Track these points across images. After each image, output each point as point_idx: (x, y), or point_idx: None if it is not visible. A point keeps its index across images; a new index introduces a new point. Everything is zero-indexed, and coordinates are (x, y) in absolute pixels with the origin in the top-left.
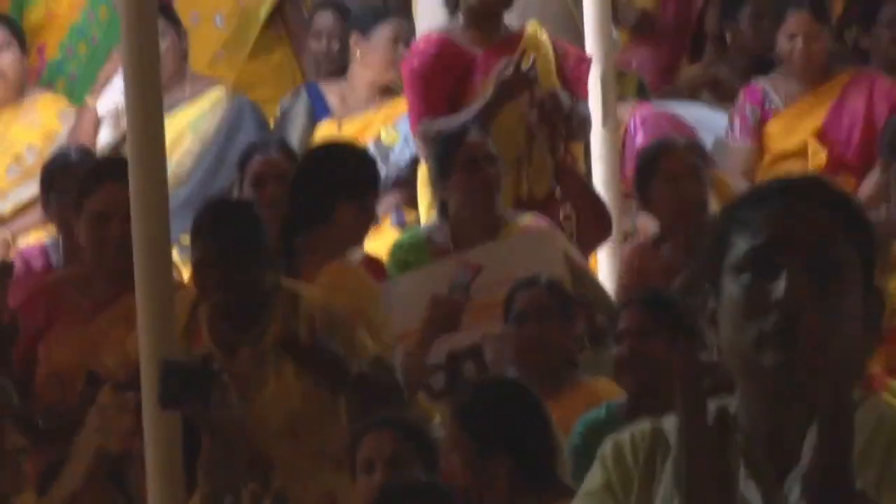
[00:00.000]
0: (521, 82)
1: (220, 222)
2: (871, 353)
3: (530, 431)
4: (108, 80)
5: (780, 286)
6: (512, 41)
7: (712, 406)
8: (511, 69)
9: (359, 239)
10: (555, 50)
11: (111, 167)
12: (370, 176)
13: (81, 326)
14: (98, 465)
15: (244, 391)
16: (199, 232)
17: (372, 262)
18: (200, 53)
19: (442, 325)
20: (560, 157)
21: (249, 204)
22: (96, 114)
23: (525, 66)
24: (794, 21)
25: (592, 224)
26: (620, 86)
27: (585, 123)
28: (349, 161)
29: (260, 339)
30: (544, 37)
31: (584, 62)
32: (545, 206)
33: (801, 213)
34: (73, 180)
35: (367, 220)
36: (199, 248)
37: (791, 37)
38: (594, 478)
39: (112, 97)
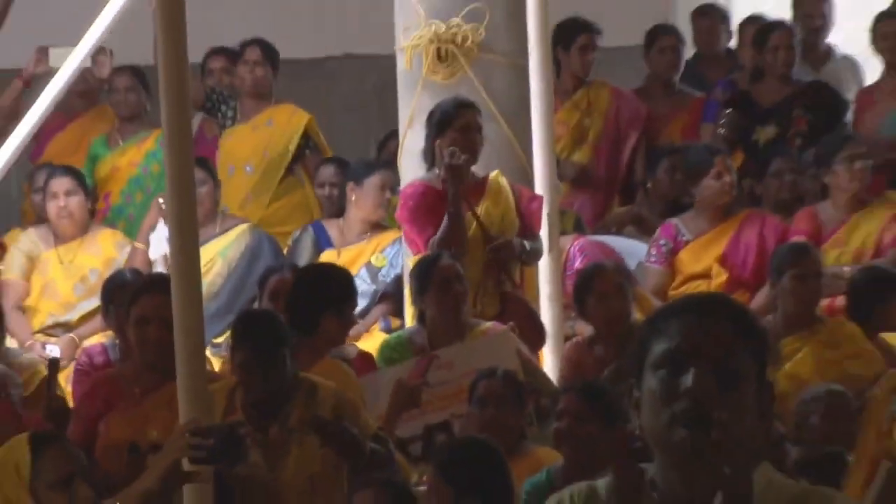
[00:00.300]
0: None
1: (255, 330)
2: (766, 435)
3: (497, 480)
4: (151, 225)
5: (688, 379)
6: (479, 186)
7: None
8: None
9: (340, 341)
10: (513, 192)
11: (151, 282)
12: (348, 292)
13: (133, 409)
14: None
15: (274, 460)
16: (240, 339)
17: (365, 357)
18: (234, 196)
19: (403, 404)
20: (507, 288)
21: (274, 314)
22: (146, 253)
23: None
24: (721, 162)
25: (531, 335)
26: (562, 222)
27: (538, 253)
28: (332, 280)
29: (287, 420)
30: (504, 182)
31: (536, 201)
32: (496, 320)
33: (707, 326)
34: (126, 295)
35: (346, 328)
36: (241, 353)
37: (719, 175)
38: None
39: (161, 243)
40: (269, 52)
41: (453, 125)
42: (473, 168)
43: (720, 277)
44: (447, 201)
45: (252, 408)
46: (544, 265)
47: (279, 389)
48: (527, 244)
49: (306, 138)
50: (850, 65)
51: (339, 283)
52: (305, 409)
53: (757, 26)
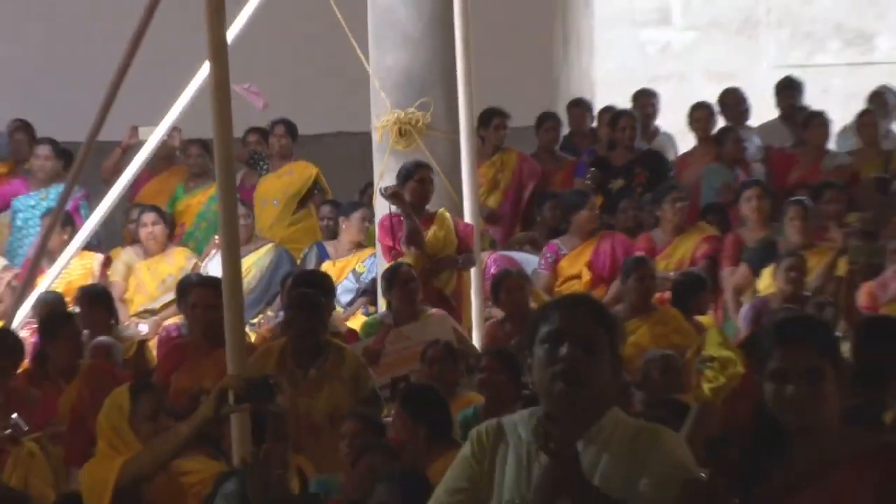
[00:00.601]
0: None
1: (304, 286)
2: (616, 392)
3: (440, 412)
4: (208, 253)
5: (563, 350)
6: (430, 217)
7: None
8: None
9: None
10: (453, 222)
11: (199, 280)
12: (328, 290)
13: (194, 367)
14: (203, 429)
15: (309, 395)
16: (294, 294)
17: (352, 332)
18: (265, 222)
19: (368, 361)
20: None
21: (323, 276)
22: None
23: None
24: (592, 202)
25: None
26: (482, 242)
27: (471, 262)
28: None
29: (323, 366)
30: (448, 215)
31: (468, 227)
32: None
33: (575, 314)
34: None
35: (329, 312)
36: (294, 300)
37: (591, 209)
38: (464, 450)
39: (216, 266)
40: (290, 128)
41: (413, 178)
42: (427, 207)
43: (586, 277)
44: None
45: (298, 355)
46: (473, 271)
47: (318, 336)
48: (460, 259)
49: (315, 184)
50: (670, 139)
51: (321, 284)
52: (335, 362)
53: (611, 114)
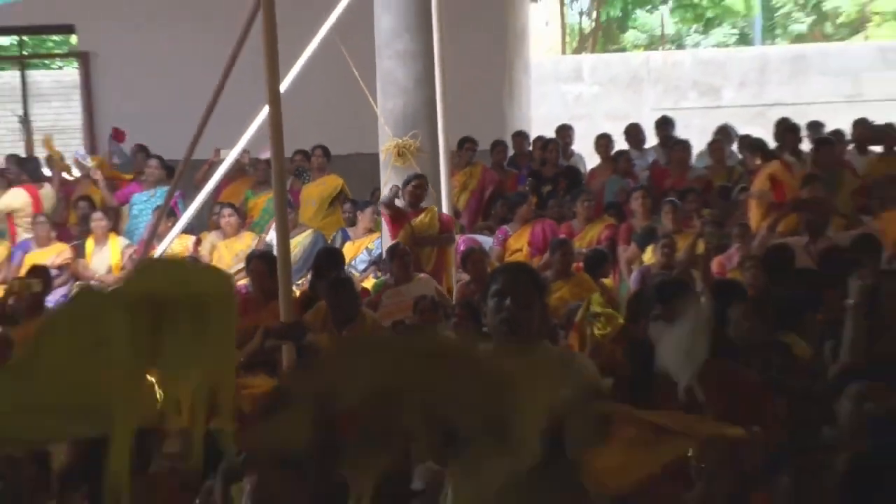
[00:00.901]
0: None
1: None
2: (545, 332)
3: None
4: (268, 230)
5: (507, 303)
6: (421, 210)
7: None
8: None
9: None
10: (438, 213)
11: (259, 254)
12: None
13: (254, 315)
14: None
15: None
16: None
17: (365, 290)
18: (307, 215)
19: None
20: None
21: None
22: (265, 241)
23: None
24: (530, 202)
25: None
26: (454, 228)
27: (452, 241)
28: (337, 255)
29: (352, 329)
30: (434, 209)
31: (449, 218)
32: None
33: (515, 278)
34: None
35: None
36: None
37: (529, 205)
38: None
39: (272, 238)
40: (325, 151)
41: (411, 184)
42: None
43: (526, 251)
44: (408, 216)
45: (335, 320)
46: (452, 249)
47: (349, 307)
48: (442, 237)
49: (341, 190)
50: (582, 159)
51: (333, 257)
52: (361, 326)
53: (542, 141)
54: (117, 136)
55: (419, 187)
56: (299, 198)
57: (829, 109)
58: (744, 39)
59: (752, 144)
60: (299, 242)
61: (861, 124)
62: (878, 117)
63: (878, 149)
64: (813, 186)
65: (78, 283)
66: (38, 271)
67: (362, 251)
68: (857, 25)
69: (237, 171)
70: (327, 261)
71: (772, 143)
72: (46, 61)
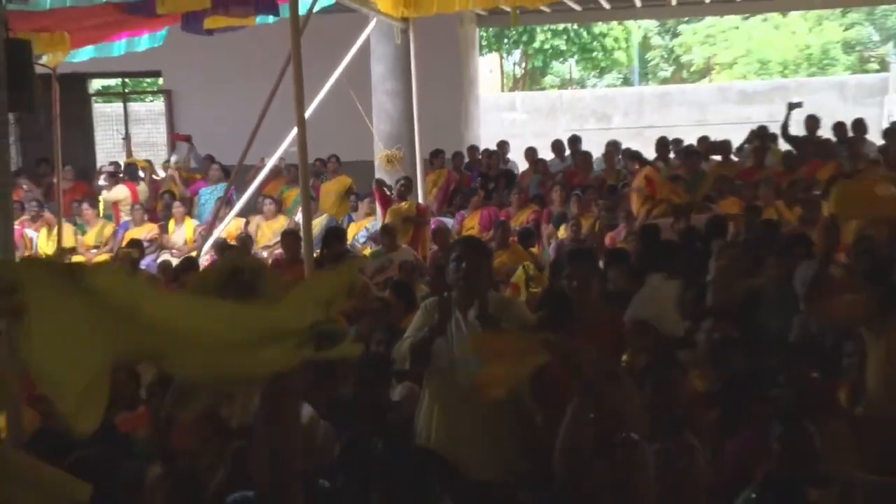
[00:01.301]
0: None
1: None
2: (490, 285)
3: (408, 292)
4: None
5: (463, 266)
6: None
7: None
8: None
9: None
10: (416, 205)
11: (289, 231)
12: (343, 235)
13: (288, 274)
14: None
15: None
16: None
17: (364, 256)
18: (325, 205)
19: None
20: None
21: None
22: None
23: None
24: (478, 195)
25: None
26: (427, 215)
27: (425, 223)
28: (339, 232)
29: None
30: (412, 201)
31: (424, 206)
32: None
33: (469, 247)
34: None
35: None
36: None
37: (478, 197)
38: (420, 311)
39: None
40: (338, 159)
41: (400, 183)
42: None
43: (477, 229)
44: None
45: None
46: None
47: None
48: (418, 219)
49: (349, 187)
50: (516, 165)
51: (335, 233)
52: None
53: (487, 152)
54: (178, 137)
55: (405, 186)
56: (319, 192)
57: (685, 130)
58: (626, 82)
59: (632, 155)
60: (318, 223)
61: (704, 140)
62: (718, 135)
63: (717, 157)
64: (676, 183)
65: (163, 251)
66: (135, 243)
67: (362, 230)
68: (703, 72)
69: (275, 172)
70: (330, 236)
71: (650, 155)
72: (141, 96)
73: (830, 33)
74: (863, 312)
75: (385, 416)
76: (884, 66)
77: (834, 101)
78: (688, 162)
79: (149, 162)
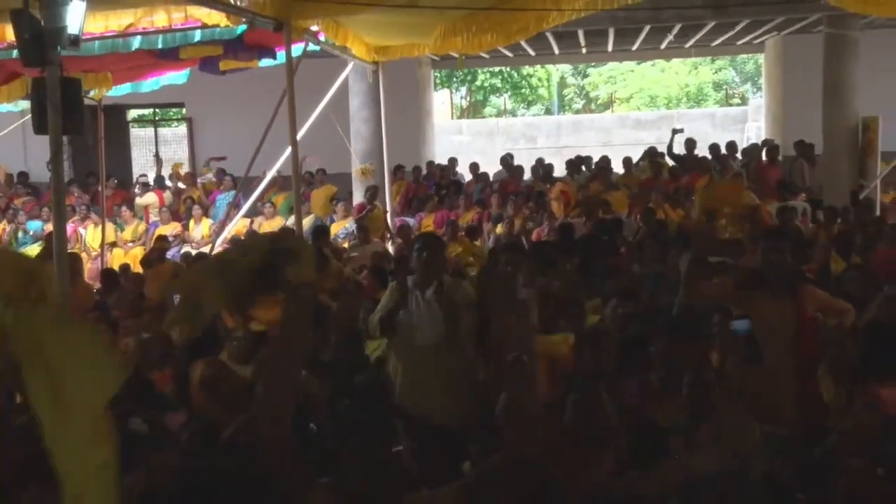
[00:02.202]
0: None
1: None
2: (445, 269)
3: (381, 275)
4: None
5: (424, 255)
6: (374, 206)
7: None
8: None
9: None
10: (383, 211)
11: (283, 229)
12: (327, 231)
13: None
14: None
15: None
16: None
17: (343, 248)
18: (316, 207)
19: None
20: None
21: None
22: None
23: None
24: (434, 200)
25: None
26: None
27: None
28: (323, 229)
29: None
30: (380, 206)
31: (384, 212)
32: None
33: (428, 240)
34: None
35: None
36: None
37: (434, 202)
38: (389, 288)
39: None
40: (324, 171)
41: (370, 192)
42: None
43: (432, 227)
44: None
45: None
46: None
47: (321, 260)
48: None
49: (334, 195)
50: (463, 177)
51: (319, 230)
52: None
53: (440, 167)
54: (215, 159)
55: (373, 193)
56: (310, 198)
57: (594, 150)
58: (548, 111)
59: (544, 175)
60: (307, 222)
61: (604, 158)
62: (619, 154)
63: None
64: (587, 191)
65: (185, 244)
66: (163, 239)
67: (343, 227)
68: (607, 104)
69: (274, 183)
70: (317, 231)
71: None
72: (168, 123)
73: (704, 75)
74: (726, 292)
75: (354, 376)
76: (744, 100)
77: (706, 128)
78: (601, 174)
79: (181, 165)
